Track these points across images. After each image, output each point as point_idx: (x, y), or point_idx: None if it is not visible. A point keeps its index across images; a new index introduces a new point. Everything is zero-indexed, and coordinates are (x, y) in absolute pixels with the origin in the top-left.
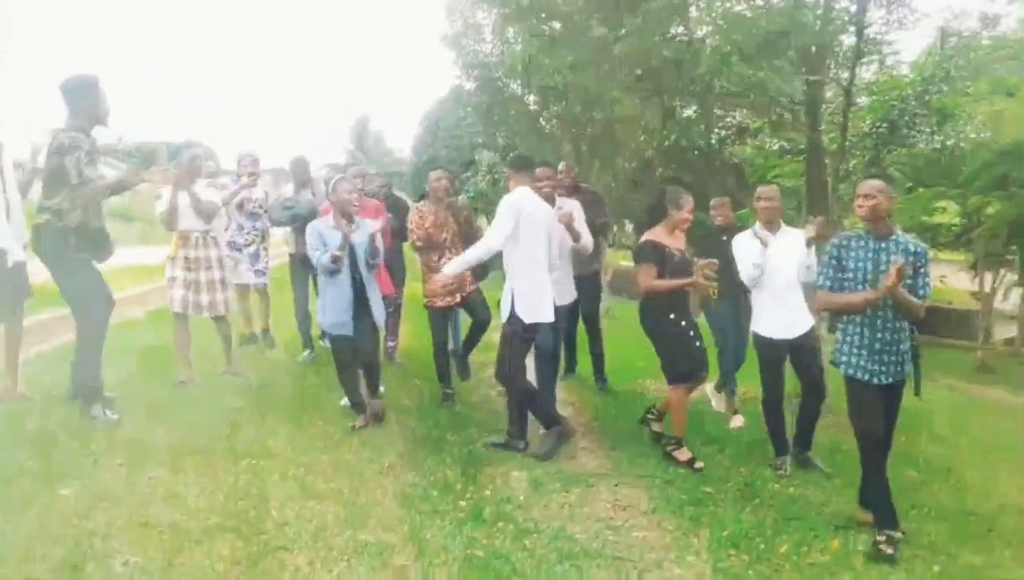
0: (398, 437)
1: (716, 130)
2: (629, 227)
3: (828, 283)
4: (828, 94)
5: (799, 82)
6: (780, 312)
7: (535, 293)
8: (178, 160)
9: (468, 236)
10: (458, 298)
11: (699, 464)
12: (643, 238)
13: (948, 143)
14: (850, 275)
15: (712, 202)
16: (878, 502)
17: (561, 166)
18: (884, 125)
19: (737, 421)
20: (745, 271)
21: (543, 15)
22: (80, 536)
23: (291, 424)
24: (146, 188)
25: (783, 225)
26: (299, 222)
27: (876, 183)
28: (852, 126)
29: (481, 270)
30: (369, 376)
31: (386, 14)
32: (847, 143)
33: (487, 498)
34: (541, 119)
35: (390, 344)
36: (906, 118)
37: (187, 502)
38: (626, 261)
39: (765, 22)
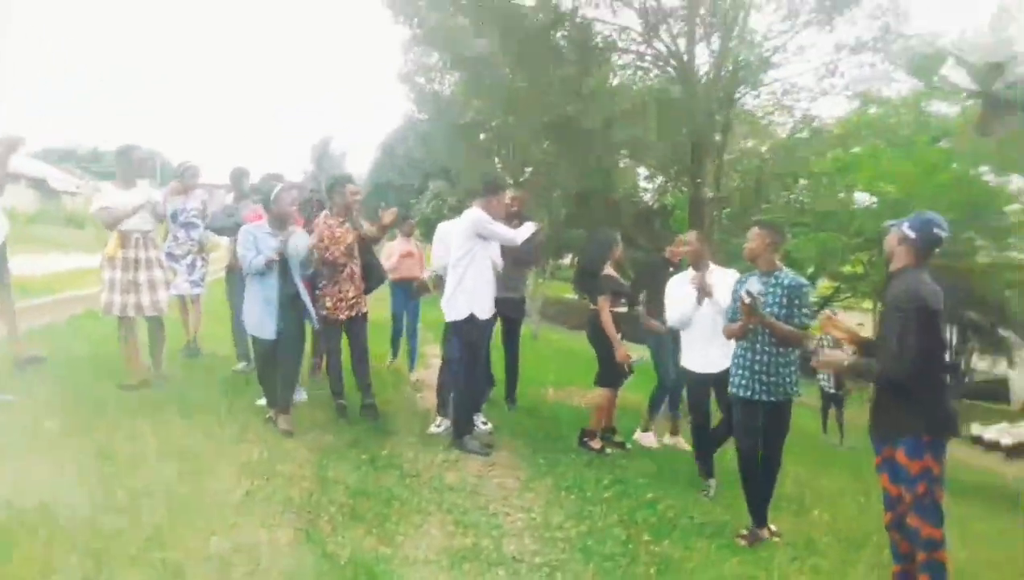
0: (322, 411)
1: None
2: (567, 260)
3: (730, 314)
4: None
5: (686, 141)
6: (708, 348)
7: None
8: (126, 160)
9: (364, 247)
10: (355, 313)
11: (609, 450)
12: (604, 273)
13: (799, 198)
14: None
15: (679, 237)
16: (752, 503)
17: (508, 196)
18: (749, 182)
19: (647, 439)
20: (672, 316)
21: (479, 67)
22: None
23: (230, 401)
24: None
25: (711, 265)
26: (235, 231)
27: (751, 230)
28: (727, 182)
29: (377, 279)
30: (283, 390)
31: (353, 44)
32: (720, 195)
33: (384, 455)
34: (492, 155)
35: (316, 359)
36: (763, 178)
37: (134, 450)
38: (566, 293)
39: (639, 90)
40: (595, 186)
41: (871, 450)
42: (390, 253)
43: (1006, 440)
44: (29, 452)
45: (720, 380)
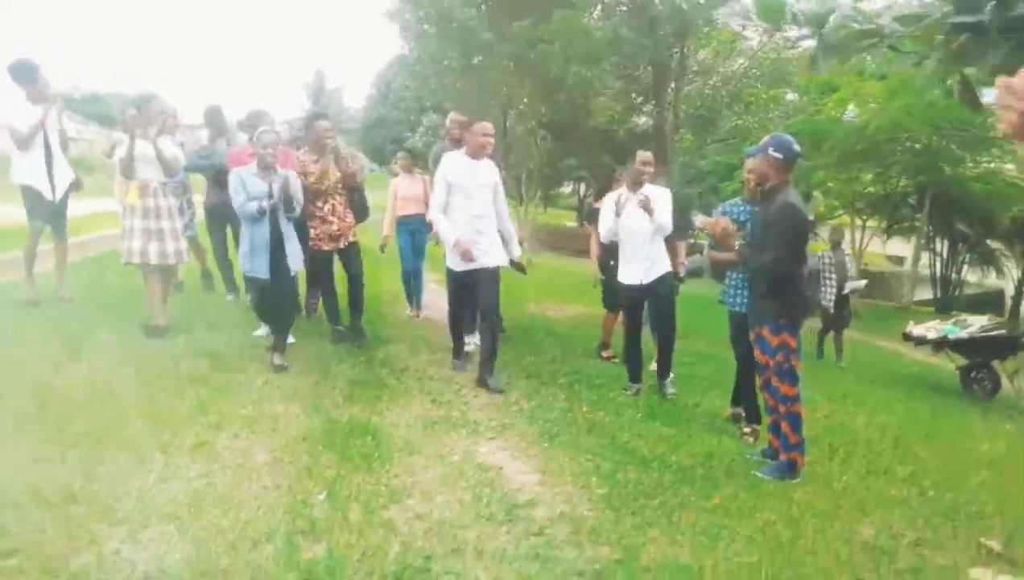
0: (326, 332)
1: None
2: (567, 188)
3: (711, 243)
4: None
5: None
6: (638, 261)
7: None
8: (142, 110)
9: (349, 183)
10: (341, 244)
11: (615, 360)
12: (595, 206)
13: (741, 123)
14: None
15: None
16: (747, 403)
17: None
18: (703, 110)
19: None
20: (603, 230)
21: (449, 16)
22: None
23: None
24: (101, 139)
25: (646, 184)
26: (214, 172)
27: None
28: (686, 109)
29: (361, 214)
30: (278, 330)
31: None
32: (677, 120)
33: (379, 357)
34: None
35: (312, 301)
36: (714, 104)
37: (174, 352)
38: (568, 221)
39: (599, 34)
40: (574, 118)
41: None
42: (393, 191)
43: (931, 335)
44: (92, 352)
45: (651, 292)
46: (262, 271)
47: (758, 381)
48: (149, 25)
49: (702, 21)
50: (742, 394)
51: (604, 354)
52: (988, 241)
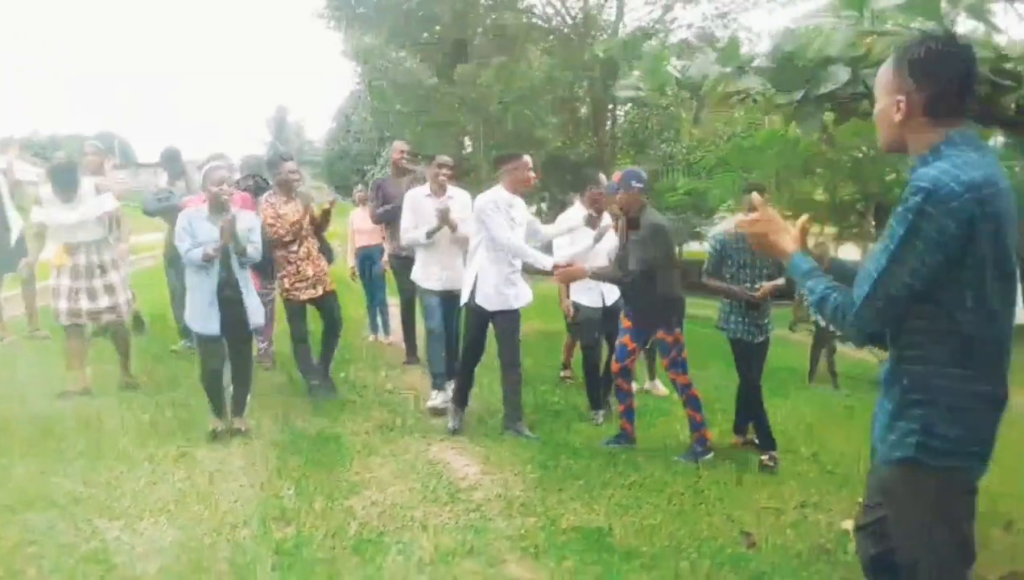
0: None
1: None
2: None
3: (710, 269)
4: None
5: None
6: (599, 284)
7: None
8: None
9: (318, 225)
10: (320, 292)
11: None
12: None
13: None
14: (733, 269)
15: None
16: (757, 425)
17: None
18: (635, 137)
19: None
20: (564, 254)
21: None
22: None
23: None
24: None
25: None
26: (173, 214)
27: (755, 196)
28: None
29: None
30: (237, 388)
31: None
32: (615, 148)
33: (340, 377)
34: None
35: (261, 345)
36: (645, 133)
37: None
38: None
39: (530, 78)
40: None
41: None
42: (350, 222)
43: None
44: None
45: (608, 315)
46: (212, 328)
47: (615, 367)
48: (109, 66)
49: (627, 60)
50: (747, 419)
51: (563, 374)
52: None
